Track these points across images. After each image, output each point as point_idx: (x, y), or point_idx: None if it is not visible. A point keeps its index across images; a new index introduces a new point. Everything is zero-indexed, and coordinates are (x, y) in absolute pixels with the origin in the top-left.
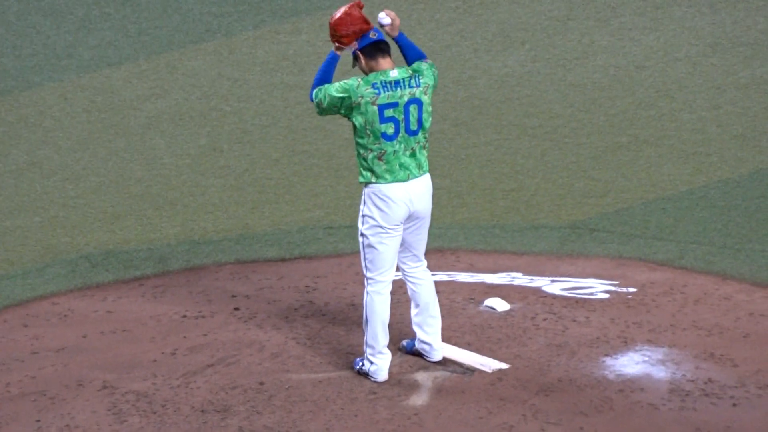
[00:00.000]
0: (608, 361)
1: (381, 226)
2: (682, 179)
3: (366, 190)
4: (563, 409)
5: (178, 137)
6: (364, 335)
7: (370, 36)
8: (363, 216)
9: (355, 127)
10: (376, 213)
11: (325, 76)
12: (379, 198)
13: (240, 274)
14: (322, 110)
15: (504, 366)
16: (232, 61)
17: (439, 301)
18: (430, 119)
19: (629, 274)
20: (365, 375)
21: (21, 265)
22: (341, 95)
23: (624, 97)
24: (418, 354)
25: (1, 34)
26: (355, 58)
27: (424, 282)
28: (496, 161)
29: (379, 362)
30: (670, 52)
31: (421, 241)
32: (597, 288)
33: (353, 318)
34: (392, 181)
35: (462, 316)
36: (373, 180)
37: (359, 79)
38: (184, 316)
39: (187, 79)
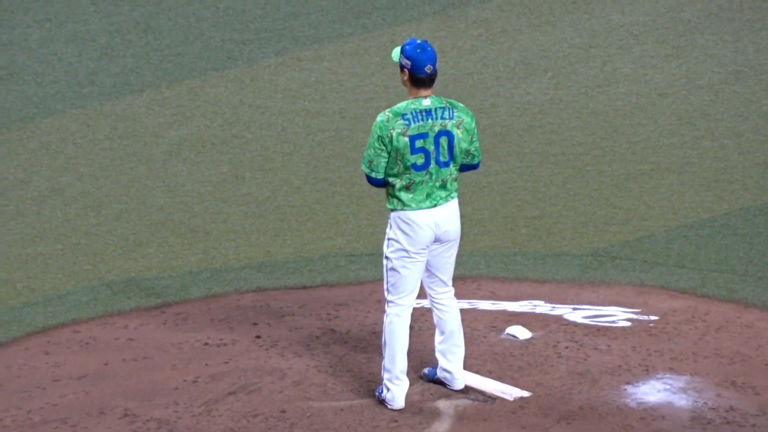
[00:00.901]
0: (630, 389)
1: (406, 250)
2: (703, 207)
3: (392, 214)
4: None
5: (200, 164)
6: (382, 359)
7: (426, 69)
8: (389, 239)
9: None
10: (401, 237)
11: None
12: (405, 222)
13: (261, 302)
14: (373, 167)
15: (525, 394)
16: (254, 88)
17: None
18: (464, 155)
19: (651, 301)
20: (383, 402)
21: (42, 293)
22: (377, 136)
23: (646, 124)
24: (440, 382)
25: (23, 61)
26: (402, 70)
27: (451, 310)
28: (518, 189)
29: (395, 389)
30: (692, 79)
31: (447, 265)
32: (618, 316)
33: (375, 346)
34: (417, 209)
35: (483, 344)
36: (399, 207)
37: (387, 113)
38: (206, 344)
39: (209, 106)
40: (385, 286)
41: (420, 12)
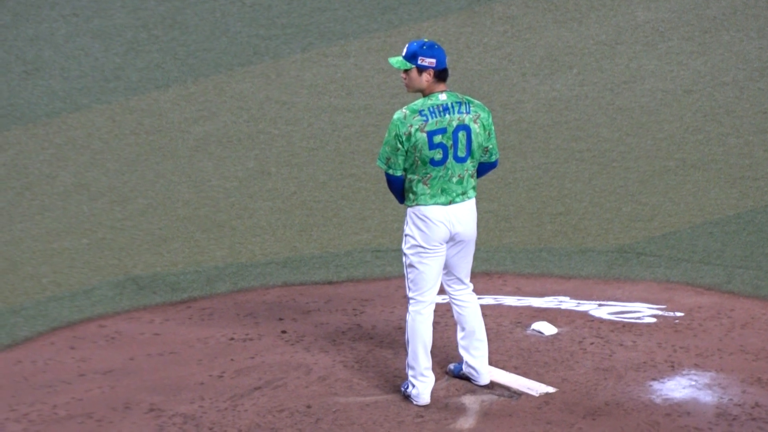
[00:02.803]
0: (655, 385)
1: (421, 246)
2: (729, 203)
3: (408, 210)
4: None
5: (226, 160)
6: (407, 356)
7: (446, 62)
8: (405, 235)
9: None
10: (416, 233)
11: None
12: (419, 218)
13: (287, 297)
14: (391, 165)
15: (551, 390)
16: (279, 84)
17: (486, 324)
18: (481, 151)
19: (676, 298)
20: (408, 398)
21: (68, 287)
22: (394, 134)
23: (671, 121)
24: (465, 377)
25: (49, 56)
26: (421, 72)
27: (469, 305)
28: (544, 185)
29: (420, 386)
30: (717, 76)
31: (464, 265)
32: (644, 312)
33: (400, 341)
34: (432, 204)
35: (509, 339)
36: (414, 202)
37: (404, 110)
38: (232, 339)
39: (235, 101)
40: (406, 283)
41: (446, 8)
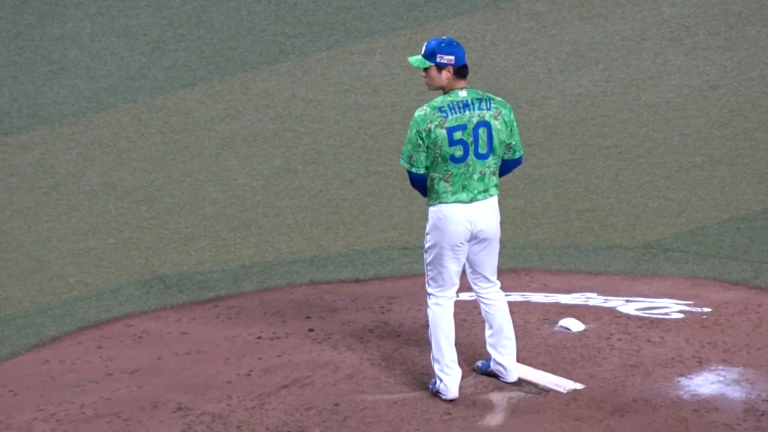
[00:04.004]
0: (683, 381)
1: (441, 246)
2: (756, 199)
3: (430, 209)
4: (638, 430)
5: (252, 158)
6: (431, 351)
7: (465, 58)
8: (426, 234)
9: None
10: (436, 232)
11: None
12: (440, 218)
13: (314, 295)
14: (413, 163)
15: (579, 386)
16: (306, 82)
17: (514, 321)
18: (503, 148)
19: (704, 293)
20: (437, 394)
21: (95, 287)
22: (416, 131)
23: (698, 116)
24: (493, 375)
25: (75, 55)
26: (441, 70)
27: (496, 303)
28: (570, 181)
29: (447, 379)
30: (744, 71)
31: (488, 262)
32: (671, 308)
33: (427, 338)
34: (453, 202)
35: (536, 336)
36: (436, 201)
37: (425, 107)
38: (259, 337)
39: (261, 100)
40: (426, 280)
41: (471, 5)
